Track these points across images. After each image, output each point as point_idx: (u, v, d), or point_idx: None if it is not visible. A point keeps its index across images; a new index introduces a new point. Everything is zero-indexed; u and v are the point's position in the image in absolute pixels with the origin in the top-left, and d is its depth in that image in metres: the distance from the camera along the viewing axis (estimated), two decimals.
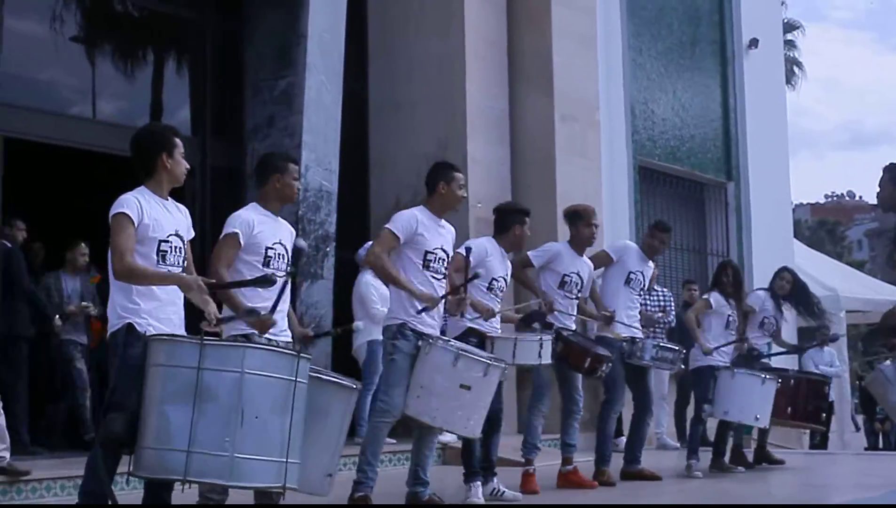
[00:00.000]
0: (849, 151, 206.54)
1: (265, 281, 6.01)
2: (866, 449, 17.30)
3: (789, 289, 10.95)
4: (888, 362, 8.15)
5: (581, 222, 9.13)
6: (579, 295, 9.13)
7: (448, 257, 7.52)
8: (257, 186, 6.84)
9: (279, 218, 6.77)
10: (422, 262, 7.36)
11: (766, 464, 10.98)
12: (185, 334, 5.77)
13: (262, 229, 6.55)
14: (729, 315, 10.28)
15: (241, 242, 6.48)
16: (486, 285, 8.11)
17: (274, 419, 5.39)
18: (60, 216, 12.24)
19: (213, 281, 6.07)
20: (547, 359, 8.29)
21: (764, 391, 10.07)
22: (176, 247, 5.82)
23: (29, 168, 11.35)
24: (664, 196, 15.92)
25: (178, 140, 5.95)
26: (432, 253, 7.40)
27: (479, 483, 7.98)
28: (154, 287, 5.69)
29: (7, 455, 8.02)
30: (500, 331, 8.24)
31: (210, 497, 6.31)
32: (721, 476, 10.18)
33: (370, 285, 10.85)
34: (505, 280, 8.33)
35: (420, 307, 7.27)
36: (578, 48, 13.68)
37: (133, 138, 6.00)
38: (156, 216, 5.75)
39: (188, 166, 6.01)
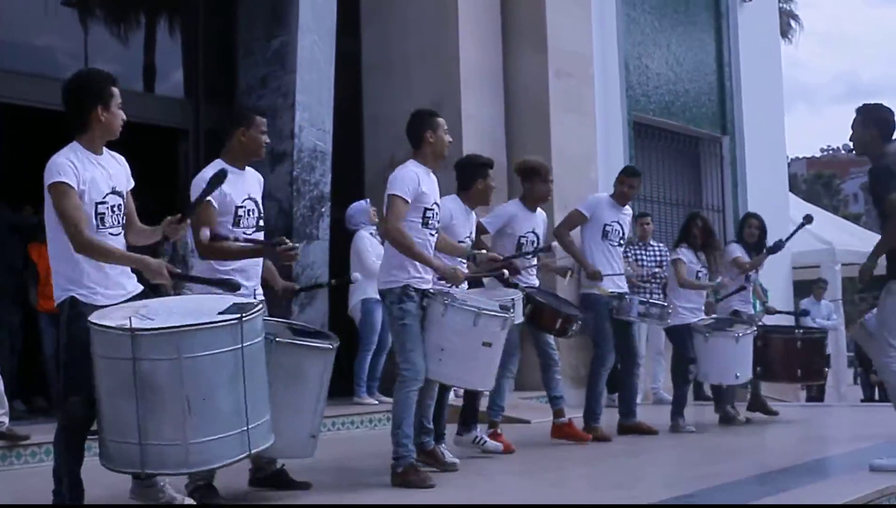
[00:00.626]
0: (845, 104, 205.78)
1: (230, 286, 5.82)
2: (863, 401, 17.37)
3: (758, 235, 10.89)
4: (870, 314, 8.17)
5: (538, 177, 8.95)
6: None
7: (439, 211, 7.32)
8: (225, 139, 6.57)
9: (247, 170, 6.56)
10: (421, 220, 7.10)
11: (761, 413, 11.01)
12: (136, 287, 5.59)
13: (230, 189, 6.29)
14: (698, 271, 10.24)
15: (215, 205, 6.25)
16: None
17: (224, 393, 5.22)
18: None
19: (178, 271, 5.90)
20: (518, 318, 8.11)
21: (740, 348, 10.11)
22: (113, 207, 5.56)
23: (24, 134, 11.32)
24: (659, 151, 15.88)
25: (115, 89, 5.59)
26: (430, 209, 7.15)
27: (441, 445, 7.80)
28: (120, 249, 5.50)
29: (6, 419, 8.03)
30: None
31: (198, 483, 6.19)
32: (719, 430, 10.21)
33: (365, 239, 10.87)
34: (470, 239, 8.09)
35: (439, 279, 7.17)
36: (572, 3, 13.61)
37: (64, 88, 5.63)
38: (91, 177, 5.48)
39: (125, 118, 5.64)
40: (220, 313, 5.34)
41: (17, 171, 10.85)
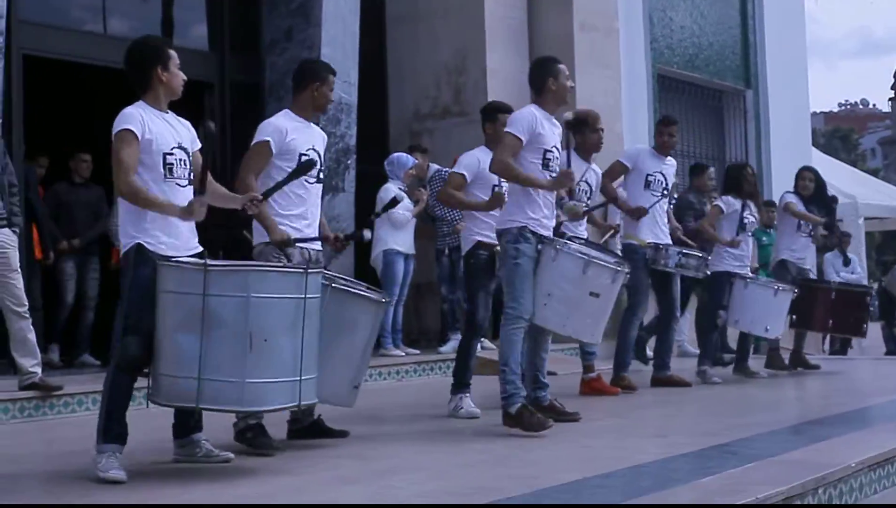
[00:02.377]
0: (859, 59, 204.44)
1: (304, 168, 6.17)
2: (886, 354, 17.33)
3: (813, 189, 10.93)
4: None
5: (587, 127, 8.97)
6: (589, 203, 9.08)
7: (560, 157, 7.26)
8: (294, 91, 6.78)
9: (312, 124, 6.74)
10: (541, 161, 7.08)
11: (802, 369, 11.04)
12: (197, 246, 5.74)
13: (295, 135, 6.52)
14: (744, 217, 10.23)
15: (273, 149, 6.45)
16: (489, 193, 7.83)
17: (284, 339, 5.36)
18: (72, 132, 12.15)
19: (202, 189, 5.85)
20: None
21: (777, 302, 10.11)
22: (181, 160, 5.74)
23: (44, 85, 11.33)
24: (683, 104, 15.83)
25: (172, 52, 5.81)
26: (550, 151, 7.13)
27: (468, 394, 7.84)
28: (162, 197, 5.60)
29: (39, 370, 8.09)
30: None
31: (248, 422, 6.30)
32: (745, 381, 10.24)
33: (391, 191, 10.86)
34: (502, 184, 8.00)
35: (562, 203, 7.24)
36: None
37: (126, 53, 5.86)
38: (158, 130, 5.67)
39: (185, 78, 5.86)
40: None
41: (41, 121, 10.90)
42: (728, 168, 11.19)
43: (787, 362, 11.10)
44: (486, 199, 7.80)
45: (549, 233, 7.15)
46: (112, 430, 5.55)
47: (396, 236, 10.98)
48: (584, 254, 7.17)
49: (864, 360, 14.34)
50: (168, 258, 5.52)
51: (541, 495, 4.93)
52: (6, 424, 7.82)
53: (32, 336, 8.06)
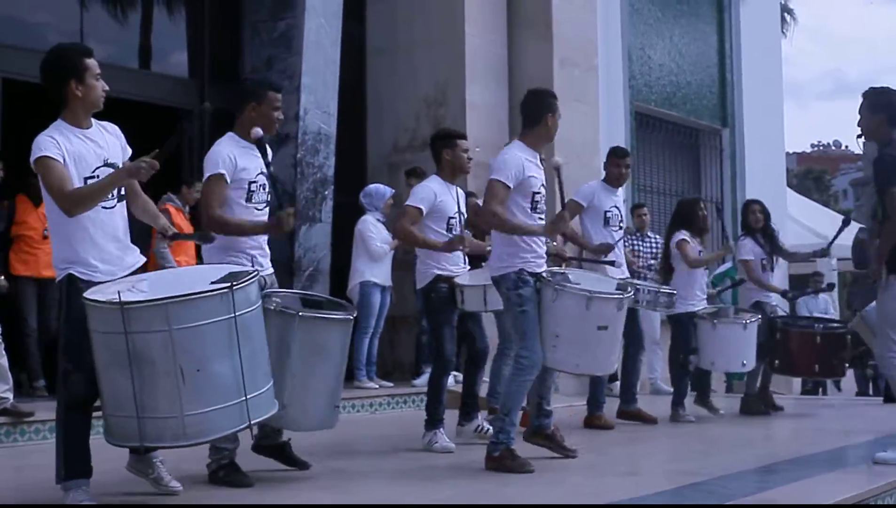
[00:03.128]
0: (833, 100, 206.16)
1: (204, 238, 5.97)
2: (857, 395, 17.38)
3: (763, 219, 10.85)
4: (870, 306, 8.18)
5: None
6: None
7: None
8: (236, 113, 6.48)
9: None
10: (530, 205, 6.93)
11: (766, 407, 11.03)
12: (136, 262, 5.57)
13: (244, 163, 6.28)
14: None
15: (228, 180, 6.23)
16: (444, 226, 7.78)
17: (219, 364, 5.18)
18: None
19: (156, 151, 5.59)
20: None
21: (747, 335, 10.08)
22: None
23: (25, 109, 11.27)
24: (660, 142, 15.91)
25: (88, 61, 5.47)
26: (538, 192, 6.95)
27: (441, 430, 7.76)
28: (88, 227, 5.37)
29: (10, 395, 8.03)
30: (467, 278, 7.94)
31: (221, 462, 6.22)
32: (713, 420, 10.21)
33: (369, 223, 10.88)
34: (460, 214, 7.90)
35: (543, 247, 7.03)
36: None
37: (40, 66, 5.51)
38: (78, 152, 5.41)
39: (106, 88, 5.54)
40: (212, 283, 5.30)
41: (18, 146, 10.82)
42: (681, 203, 10.97)
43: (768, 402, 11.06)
44: (443, 232, 7.72)
45: (543, 267, 7.01)
46: (74, 468, 5.43)
47: (373, 267, 10.97)
48: (585, 290, 7.03)
49: (835, 400, 14.38)
50: (99, 284, 5.32)
51: None
52: None
53: (5, 362, 8.00)
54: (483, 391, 8.60)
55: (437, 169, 8.00)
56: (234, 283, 5.24)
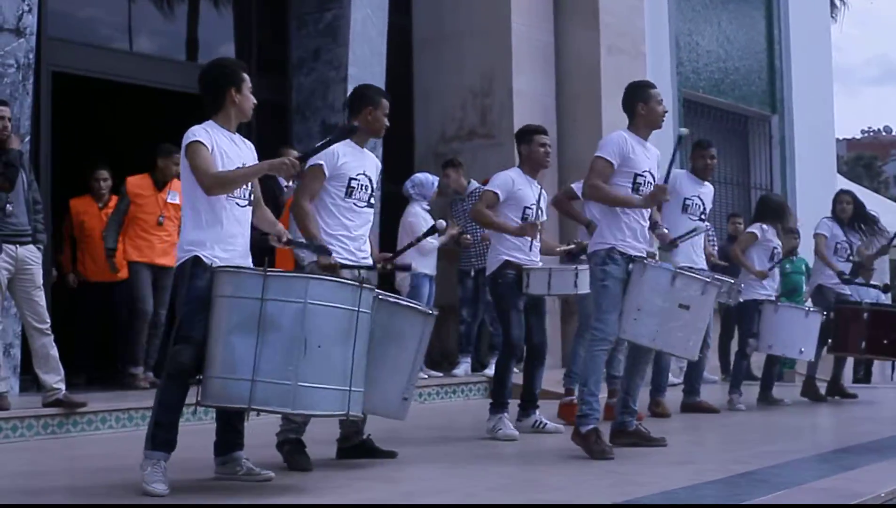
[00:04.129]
0: (882, 85, 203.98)
1: (321, 250, 6.21)
2: None
3: (851, 211, 10.87)
4: None
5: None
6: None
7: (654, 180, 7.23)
8: (349, 116, 6.85)
9: (365, 150, 6.78)
10: (631, 186, 7.07)
11: (839, 398, 10.96)
12: (249, 263, 5.86)
13: (346, 159, 6.54)
14: (774, 247, 10.22)
15: (326, 173, 6.49)
16: (521, 215, 7.97)
17: (337, 348, 5.47)
18: (96, 147, 12.16)
19: (302, 153, 6.25)
20: (584, 289, 8.00)
21: (808, 323, 10.06)
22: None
23: (72, 101, 11.37)
24: (708, 129, 15.79)
25: (246, 75, 5.97)
26: (641, 175, 7.11)
27: (505, 415, 7.89)
28: (222, 219, 5.75)
29: (63, 386, 8.09)
30: (538, 263, 8.12)
31: (288, 435, 6.41)
32: (769, 409, 10.17)
33: (419, 215, 10.85)
34: (538, 206, 8.07)
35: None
36: None
37: (202, 73, 6.07)
38: (224, 149, 5.82)
39: (255, 102, 6.03)
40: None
41: (71, 137, 10.92)
42: (766, 198, 11.02)
43: (822, 391, 11.01)
44: (517, 221, 7.90)
45: (640, 254, 7.11)
46: (158, 437, 5.63)
47: (421, 258, 10.93)
48: (672, 267, 7.17)
49: (888, 388, 14.24)
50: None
51: None
52: (30, 440, 7.83)
53: (55, 352, 8.08)
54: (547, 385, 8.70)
55: (519, 163, 8.23)
56: (365, 283, 5.66)
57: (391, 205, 11.38)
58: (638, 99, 7.24)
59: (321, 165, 6.46)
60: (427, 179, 11.14)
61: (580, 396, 7.01)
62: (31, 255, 8.04)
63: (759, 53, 16.80)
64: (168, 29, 11.65)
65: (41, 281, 8.09)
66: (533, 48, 12.81)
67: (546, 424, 8.23)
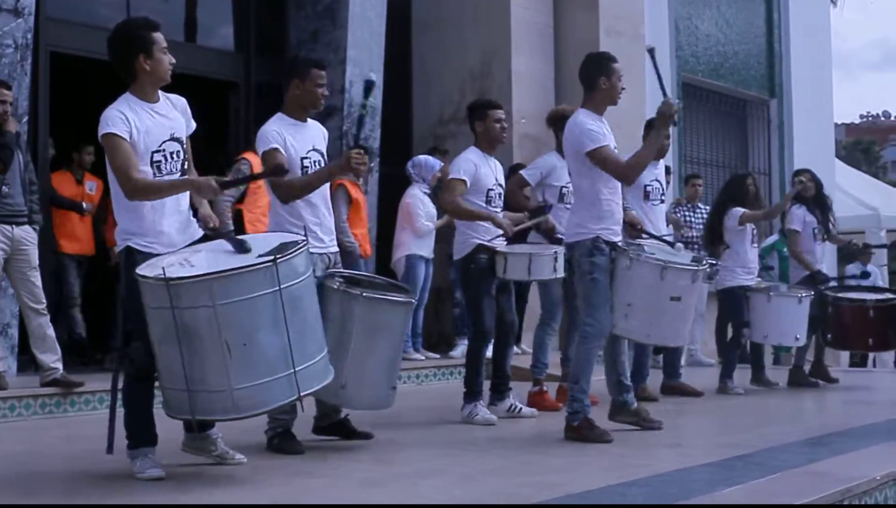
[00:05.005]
0: (882, 71, 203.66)
1: (277, 171, 5.89)
2: None
3: (814, 190, 10.74)
4: None
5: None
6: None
7: None
8: (283, 93, 6.55)
9: (309, 122, 6.55)
10: (484, 198, 7.09)
11: (823, 381, 10.97)
12: (192, 232, 5.61)
13: (293, 141, 6.35)
14: (753, 229, 10.17)
15: (282, 152, 6.26)
16: (484, 198, 7.74)
17: (265, 337, 5.18)
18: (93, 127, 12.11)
19: (226, 179, 5.89)
20: (562, 273, 7.90)
21: (801, 310, 10.01)
22: (170, 153, 5.54)
23: (69, 81, 11.35)
24: (707, 112, 15.81)
25: (156, 35, 5.50)
26: (492, 189, 7.17)
27: (481, 402, 7.78)
28: (153, 203, 5.45)
29: (60, 366, 8.11)
30: (503, 243, 7.85)
31: (278, 417, 6.30)
32: (762, 392, 10.18)
33: (417, 197, 10.83)
34: (498, 185, 7.87)
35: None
36: None
37: (108, 42, 5.60)
38: (145, 126, 5.46)
39: (173, 60, 5.57)
40: (259, 256, 5.29)
41: (70, 118, 10.91)
42: (730, 180, 10.91)
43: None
44: (481, 205, 7.71)
45: (619, 236, 6.99)
46: (139, 437, 5.53)
47: (419, 240, 10.92)
48: (660, 259, 7.05)
49: (883, 373, 14.26)
50: (157, 256, 5.39)
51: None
52: (28, 420, 7.86)
53: (52, 332, 8.10)
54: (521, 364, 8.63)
55: (475, 141, 7.95)
56: (279, 256, 5.22)
57: (389, 186, 11.39)
58: (601, 73, 6.99)
59: (276, 147, 6.23)
60: (428, 161, 11.11)
61: (572, 393, 6.85)
62: (27, 236, 8.05)
63: (758, 38, 16.79)
64: (166, 9, 11.60)
65: (37, 262, 8.09)
66: (532, 30, 12.80)
67: (521, 408, 8.05)
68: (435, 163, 11.06)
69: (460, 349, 11.32)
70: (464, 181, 7.69)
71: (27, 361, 8.75)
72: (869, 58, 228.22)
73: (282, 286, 5.17)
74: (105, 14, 11.19)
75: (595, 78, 6.99)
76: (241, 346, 5.09)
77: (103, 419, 5.65)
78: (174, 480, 5.48)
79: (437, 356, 11.29)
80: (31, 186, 8.21)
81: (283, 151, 6.28)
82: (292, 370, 5.20)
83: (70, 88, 11.40)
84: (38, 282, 8.06)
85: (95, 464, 5.87)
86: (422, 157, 11.26)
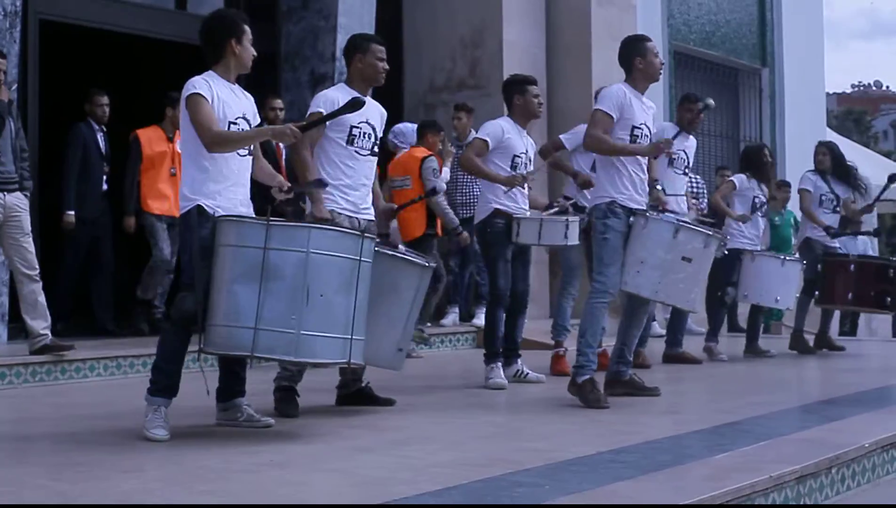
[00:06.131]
0: (871, 40, 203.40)
1: (353, 105, 6.11)
2: (894, 337, 17.29)
3: (829, 162, 10.88)
4: None
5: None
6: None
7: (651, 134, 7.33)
8: (347, 66, 6.86)
9: (369, 97, 6.74)
10: (629, 138, 7.11)
11: (827, 350, 11.03)
12: (251, 212, 5.89)
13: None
14: (755, 197, 10.24)
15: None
16: (510, 163, 7.99)
17: (339, 297, 5.53)
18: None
19: (304, 122, 6.17)
20: (573, 240, 8.16)
21: (784, 272, 10.11)
22: (242, 130, 5.90)
23: (61, 50, 11.30)
24: (698, 81, 15.78)
25: (246, 27, 5.99)
26: (639, 128, 7.16)
27: (498, 364, 8.01)
28: (223, 168, 5.78)
29: (48, 332, 8.11)
30: (527, 213, 8.14)
31: (282, 383, 6.54)
32: (754, 361, 10.23)
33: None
34: (527, 156, 8.15)
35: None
36: None
37: (203, 24, 6.09)
38: (224, 98, 5.84)
39: (255, 53, 6.04)
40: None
41: (81, 88, 10.85)
42: (747, 149, 11.16)
43: (811, 343, 11.06)
44: (507, 169, 7.94)
45: (640, 207, 7.16)
46: (159, 382, 5.74)
47: None
48: (674, 220, 7.26)
49: (873, 341, 14.32)
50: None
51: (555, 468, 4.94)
52: (18, 388, 7.86)
53: (43, 299, 8.11)
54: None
55: (509, 112, 8.21)
56: (364, 231, 5.83)
57: (379, 154, 11.32)
58: (635, 53, 7.28)
59: (320, 111, 6.44)
60: (408, 128, 11.06)
61: (578, 347, 7.05)
62: (19, 202, 8.07)
63: (750, 6, 16.77)
64: None
65: (29, 228, 8.11)
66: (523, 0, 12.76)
67: (528, 373, 8.28)
68: (411, 126, 11.00)
69: (451, 318, 11.44)
70: (486, 142, 7.99)
71: (17, 329, 8.75)
72: (857, 27, 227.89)
73: (362, 258, 5.65)
74: None
75: (631, 59, 7.31)
76: (318, 296, 5.46)
77: (94, 387, 5.69)
78: (170, 443, 5.55)
79: (429, 324, 11.26)
80: (23, 154, 8.21)
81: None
82: (350, 337, 5.58)
83: (59, 55, 11.34)
84: (31, 248, 8.09)
85: (85, 430, 5.91)
86: (401, 125, 11.19)
